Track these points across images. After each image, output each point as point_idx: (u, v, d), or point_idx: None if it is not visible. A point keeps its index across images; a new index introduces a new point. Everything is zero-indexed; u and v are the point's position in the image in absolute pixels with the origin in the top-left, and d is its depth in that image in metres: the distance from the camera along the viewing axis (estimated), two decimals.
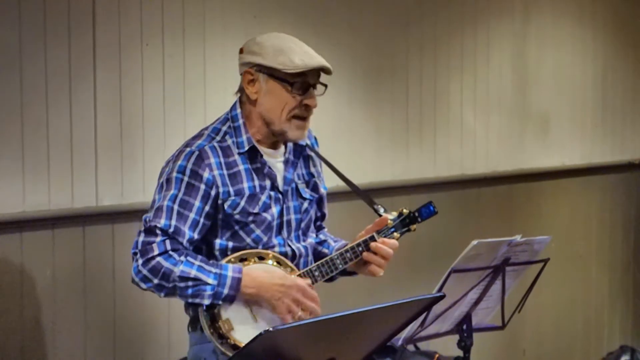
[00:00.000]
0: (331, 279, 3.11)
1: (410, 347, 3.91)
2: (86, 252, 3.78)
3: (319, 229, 3.29)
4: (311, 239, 3.17)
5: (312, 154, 3.16)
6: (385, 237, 3.06)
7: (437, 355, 3.97)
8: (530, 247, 3.51)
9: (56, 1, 3.68)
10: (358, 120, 4.77)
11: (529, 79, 5.62)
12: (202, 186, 2.92)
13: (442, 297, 2.79)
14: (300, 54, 2.94)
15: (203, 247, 3.00)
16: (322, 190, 3.20)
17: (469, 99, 5.28)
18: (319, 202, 3.24)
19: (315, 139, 3.23)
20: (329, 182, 3.31)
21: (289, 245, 3.05)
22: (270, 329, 2.36)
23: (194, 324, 3.02)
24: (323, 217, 3.28)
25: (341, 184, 3.25)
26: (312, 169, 3.17)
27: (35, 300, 3.67)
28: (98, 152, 3.79)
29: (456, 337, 3.53)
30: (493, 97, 5.41)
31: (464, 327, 3.50)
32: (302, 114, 2.98)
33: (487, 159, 5.39)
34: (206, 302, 2.87)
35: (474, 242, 3.29)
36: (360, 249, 3.05)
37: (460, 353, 3.51)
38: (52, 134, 3.68)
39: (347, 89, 4.70)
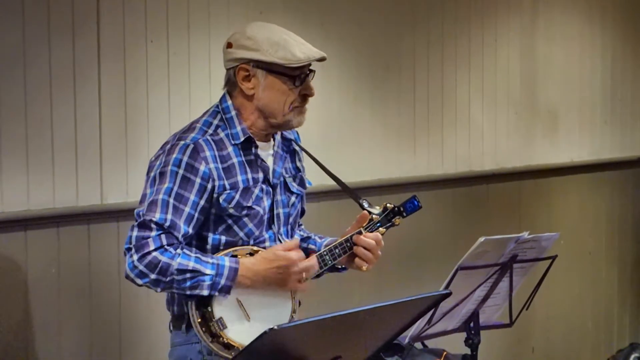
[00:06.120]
0: (318, 275, 3.09)
1: (418, 345, 3.90)
2: (91, 250, 3.77)
3: (298, 225, 3.27)
4: (297, 235, 3.15)
5: (298, 148, 3.14)
6: (371, 232, 3.04)
7: (444, 353, 3.95)
8: (538, 244, 3.49)
9: None
10: (365, 118, 4.75)
11: (537, 75, 5.60)
12: (198, 180, 2.86)
13: (449, 294, 2.78)
14: (298, 46, 2.91)
15: (193, 243, 2.95)
16: (308, 186, 3.17)
17: (476, 95, 5.25)
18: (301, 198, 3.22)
19: (297, 133, 3.20)
20: (316, 179, 3.29)
21: (279, 240, 3.02)
22: (275, 327, 2.33)
23: (178, 322, 2.97)
24: (302, 213, 3.23)
25: (326, 182, 3.23)
26: (298, 164, 3.14)
27: (40, 298, 3.66)
28: (103, 150, 3.78)
29: (464, 334, 3.51)
30: (501, 93, 5.38)
31: (472, 324, 3.49)
32: (302, 104, 2.97)
33: (495, 156, 5.37)
34: (205, 292, 2.82)
35: (481, 239, 3.27)
36: (348, 244, 3.03)
37: (467, 351, 3.50)
38: (57, 132, 3.67)
39: (354, 86, 4.68)
